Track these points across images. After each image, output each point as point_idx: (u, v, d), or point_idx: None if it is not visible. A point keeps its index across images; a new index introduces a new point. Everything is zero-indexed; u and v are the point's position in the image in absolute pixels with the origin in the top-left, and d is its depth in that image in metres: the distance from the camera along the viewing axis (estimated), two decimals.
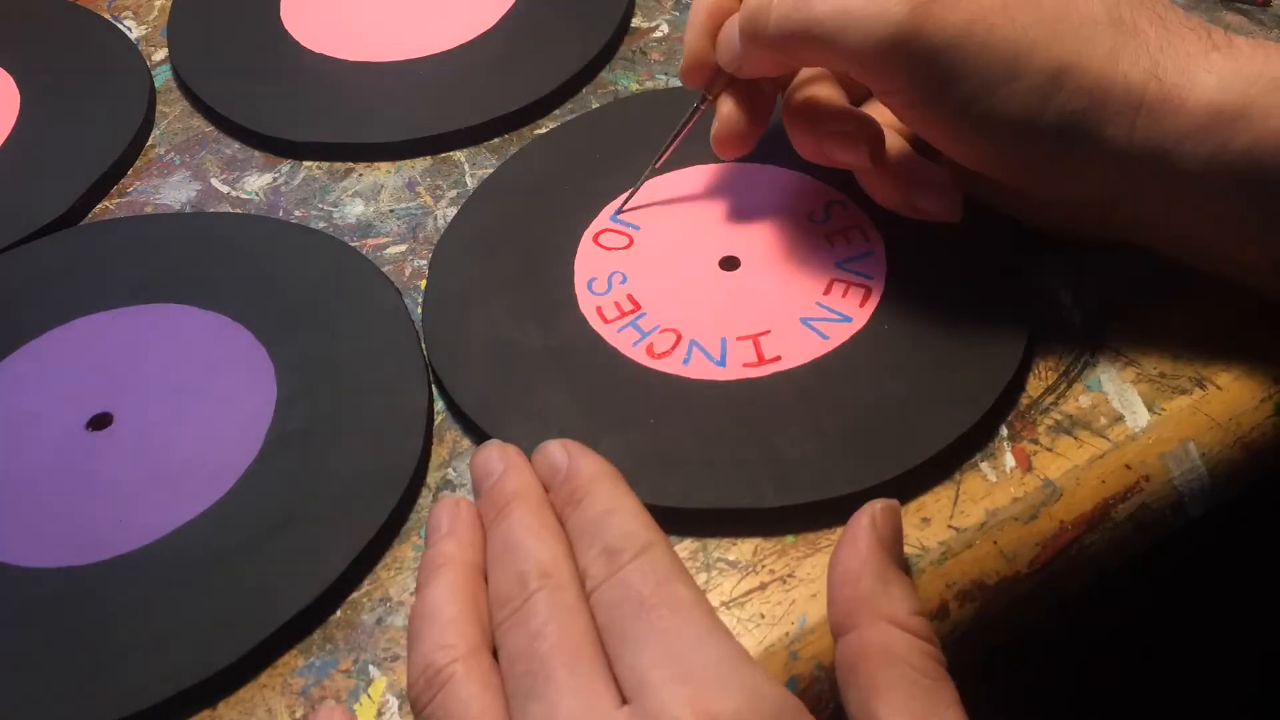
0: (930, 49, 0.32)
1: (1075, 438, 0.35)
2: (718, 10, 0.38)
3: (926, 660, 0.29)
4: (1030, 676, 0.41)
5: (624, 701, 0.27)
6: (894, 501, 0.32)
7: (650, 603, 0.28)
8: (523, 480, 0.33)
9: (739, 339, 0.38)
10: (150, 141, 0.50)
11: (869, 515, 0.31)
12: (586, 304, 0.40)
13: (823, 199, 0.42)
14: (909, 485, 0.34)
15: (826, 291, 0.39)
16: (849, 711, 0.29)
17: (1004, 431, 0.36)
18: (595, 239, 0.42)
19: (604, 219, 0.42)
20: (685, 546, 0.34)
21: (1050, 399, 0.36)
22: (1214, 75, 0.32)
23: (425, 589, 0.31)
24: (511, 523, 0.32)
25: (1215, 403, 0.36)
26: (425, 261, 0.43)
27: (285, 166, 0.48)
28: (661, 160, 0.42)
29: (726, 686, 0.27)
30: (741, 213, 0.42)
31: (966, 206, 0.38)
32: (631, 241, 0.41)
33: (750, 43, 0.36)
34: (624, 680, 0.28)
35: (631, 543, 0.30)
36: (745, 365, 0.37)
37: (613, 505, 0.31)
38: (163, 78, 0.53)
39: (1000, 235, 0.39)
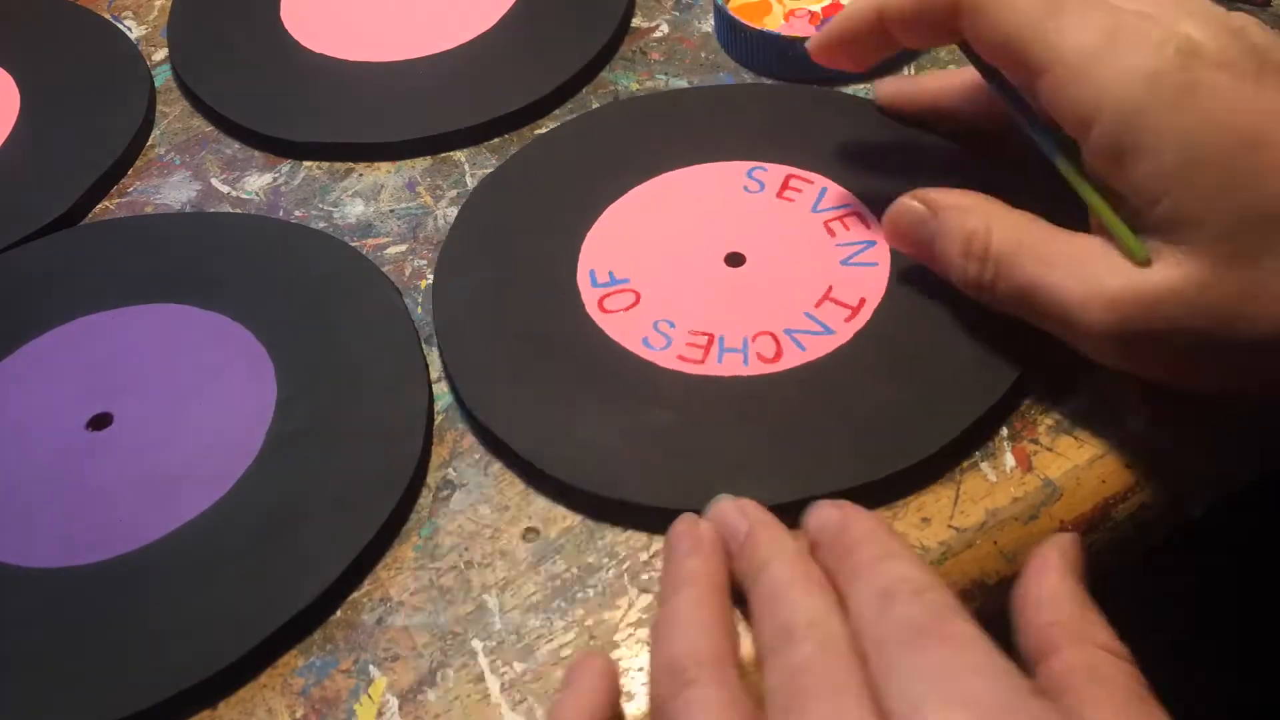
0: (1142, 344, 0.31)
1: (1075, 438, 0.35)
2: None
3: (1134, 682, 0.28)
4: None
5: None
6: (1076, 535, 0.31)
7: (927, 631, 0.27)
8: (777, 535, 0.32)
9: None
10: (150, 141, 0.50)
11: (1056, 546, 0.30)
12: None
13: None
14: (909, 485, 0.34)
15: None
16: None
17: (1004, 431, 0.36)
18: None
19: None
20: None
21: (1050, 399, 0.36)
22: None
23: (670, 600, 0.31)
24: (774, 573, 0.30)
25: (1215, 403, 0.36)
26: (425, 261, 0.43)
27: (285, 166, 0.48)
28: None
29: (1012, 716, 0.25)
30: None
31: None
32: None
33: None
34: (893, 710, 0.26)
35: (908, 585, 0.28)
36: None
37: (889, 551, 0.30)
38: (163, 78, 0.53)
39: None
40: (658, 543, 0.34)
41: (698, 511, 0.34)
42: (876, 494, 0.34)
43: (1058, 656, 0.28)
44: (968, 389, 0.36)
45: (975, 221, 0.35)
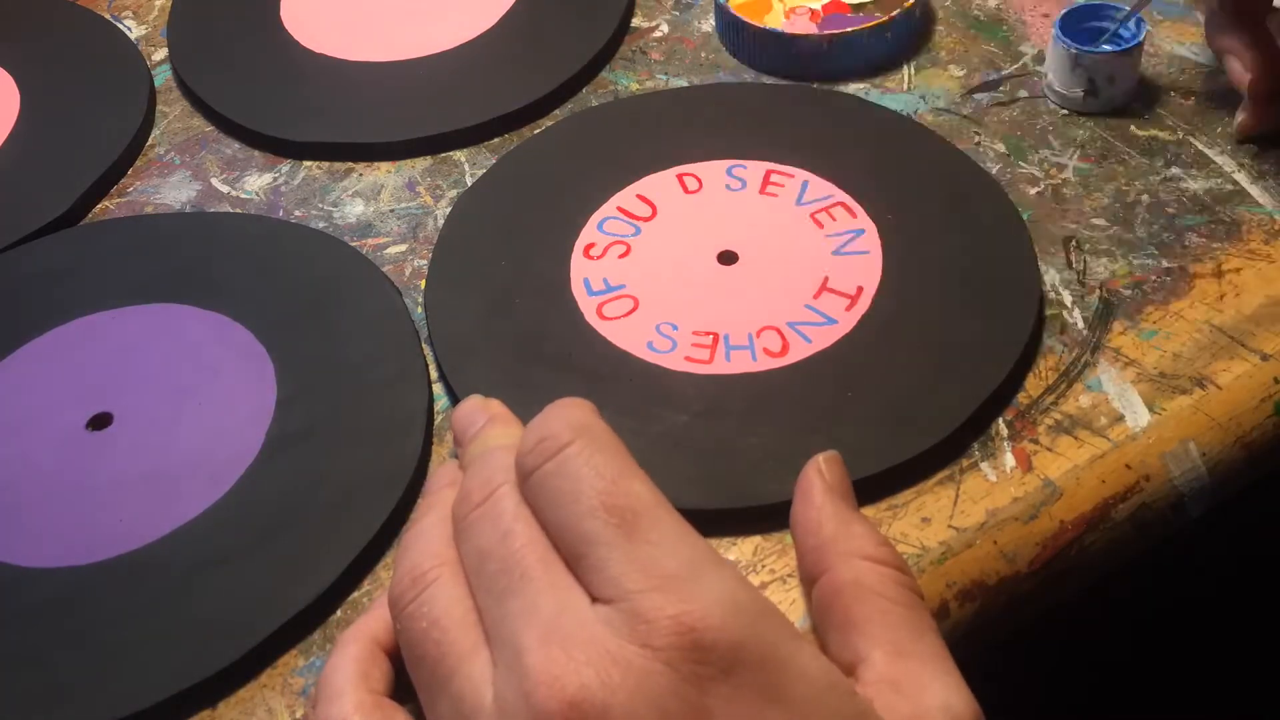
0: None
1: (1075, 438, 0.35)
2: None
3: (899, 589, 0.29)
4: (1031, 676, 0.41)
5: (594, 600, 0.27)
6: (834, 452, 0.32)
7: (610, 505, 0.27)
8: (509, 430, 0.32)
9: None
10: (150, 141, 0.50)
11: (815, 468, 0.32)
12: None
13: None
14: (908, 483, 0.34)
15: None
16: (831, 655, 0.29)
17: (1004, 431, 0.36)
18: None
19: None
20: None
21: (1050, 399, 0.36)
22: None
23: (417, 522, 0.31)
24: (488, 448, 0.31)
25: (1215, 403, 0.36)
26: (425, 261, 0.43)
27: (285, 166, 0.48)
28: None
29: (706, 598, 0.26)
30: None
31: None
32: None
33: None
34: (595, 585, 0.26)
35: (569, 425, 0.29)
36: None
37: (560, 406, 0.30)
38: (163, 78, 0.53)
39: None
40: None
41: (723, 513, 0.34)
42: (901, 476, 0.34)
43: (827, 575, 0.30)
44: (975, 366, 0.36)
45: None
